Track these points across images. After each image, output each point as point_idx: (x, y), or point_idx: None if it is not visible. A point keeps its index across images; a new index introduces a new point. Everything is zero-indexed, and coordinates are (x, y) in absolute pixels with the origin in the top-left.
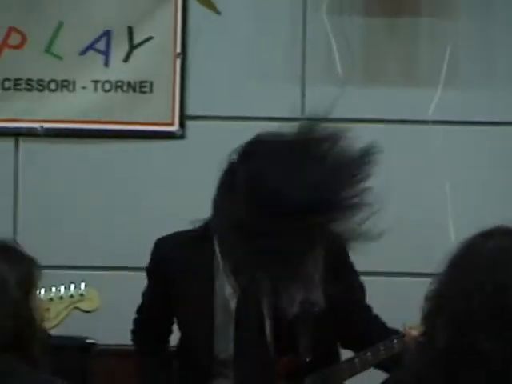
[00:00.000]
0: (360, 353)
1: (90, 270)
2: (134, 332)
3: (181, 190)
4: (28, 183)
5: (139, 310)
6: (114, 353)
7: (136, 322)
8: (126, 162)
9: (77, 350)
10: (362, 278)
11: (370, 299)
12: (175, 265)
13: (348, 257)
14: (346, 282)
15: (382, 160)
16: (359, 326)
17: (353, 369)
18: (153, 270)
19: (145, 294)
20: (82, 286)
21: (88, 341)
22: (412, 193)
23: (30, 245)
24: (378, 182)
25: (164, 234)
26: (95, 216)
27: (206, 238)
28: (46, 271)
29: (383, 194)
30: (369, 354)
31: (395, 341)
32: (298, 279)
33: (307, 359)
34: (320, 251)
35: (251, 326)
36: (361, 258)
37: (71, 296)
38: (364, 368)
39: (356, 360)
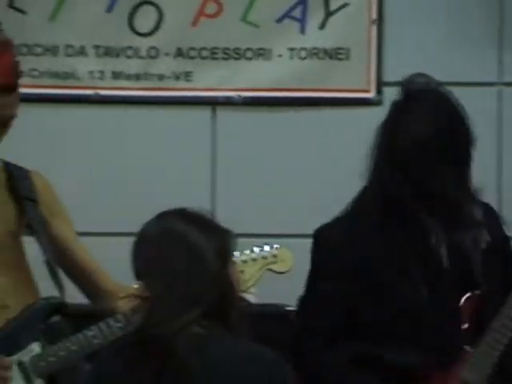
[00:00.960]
0: None
1: (285, 238)
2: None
3: None
4: (226, 152)
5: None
6: None
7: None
8: (323, 129)
9: (277, 318)
10: None
11: None
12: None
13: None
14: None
15: None
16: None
17: None
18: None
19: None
20: (276, 246)
21: (287, 308)
22: None
23: (228, 213)
24: None
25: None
26: (294, 185)
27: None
28: (242, 240)
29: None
30: None
31: None
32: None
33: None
34: None
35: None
36: None
37: (264, 257)
38: None
39: None
